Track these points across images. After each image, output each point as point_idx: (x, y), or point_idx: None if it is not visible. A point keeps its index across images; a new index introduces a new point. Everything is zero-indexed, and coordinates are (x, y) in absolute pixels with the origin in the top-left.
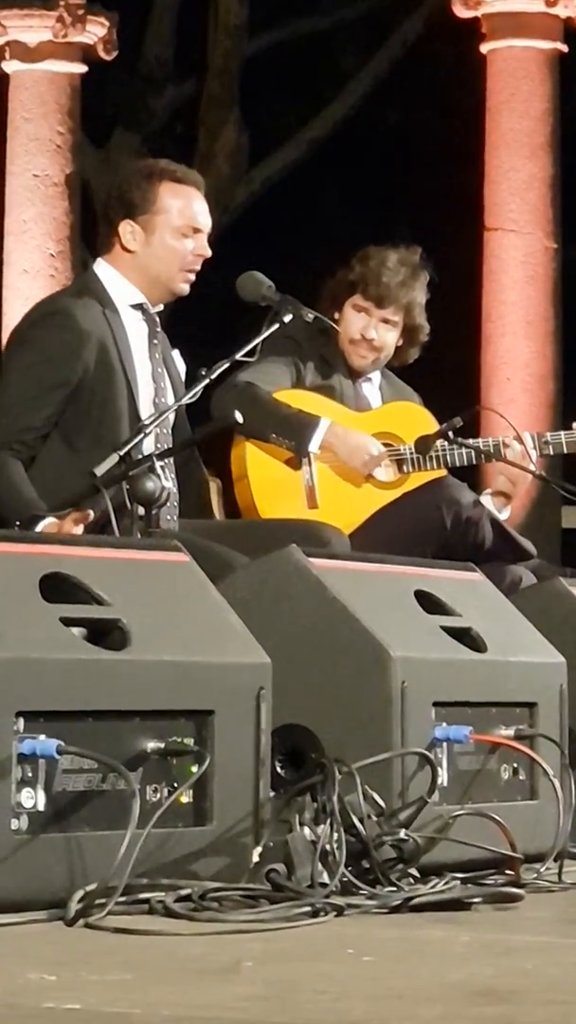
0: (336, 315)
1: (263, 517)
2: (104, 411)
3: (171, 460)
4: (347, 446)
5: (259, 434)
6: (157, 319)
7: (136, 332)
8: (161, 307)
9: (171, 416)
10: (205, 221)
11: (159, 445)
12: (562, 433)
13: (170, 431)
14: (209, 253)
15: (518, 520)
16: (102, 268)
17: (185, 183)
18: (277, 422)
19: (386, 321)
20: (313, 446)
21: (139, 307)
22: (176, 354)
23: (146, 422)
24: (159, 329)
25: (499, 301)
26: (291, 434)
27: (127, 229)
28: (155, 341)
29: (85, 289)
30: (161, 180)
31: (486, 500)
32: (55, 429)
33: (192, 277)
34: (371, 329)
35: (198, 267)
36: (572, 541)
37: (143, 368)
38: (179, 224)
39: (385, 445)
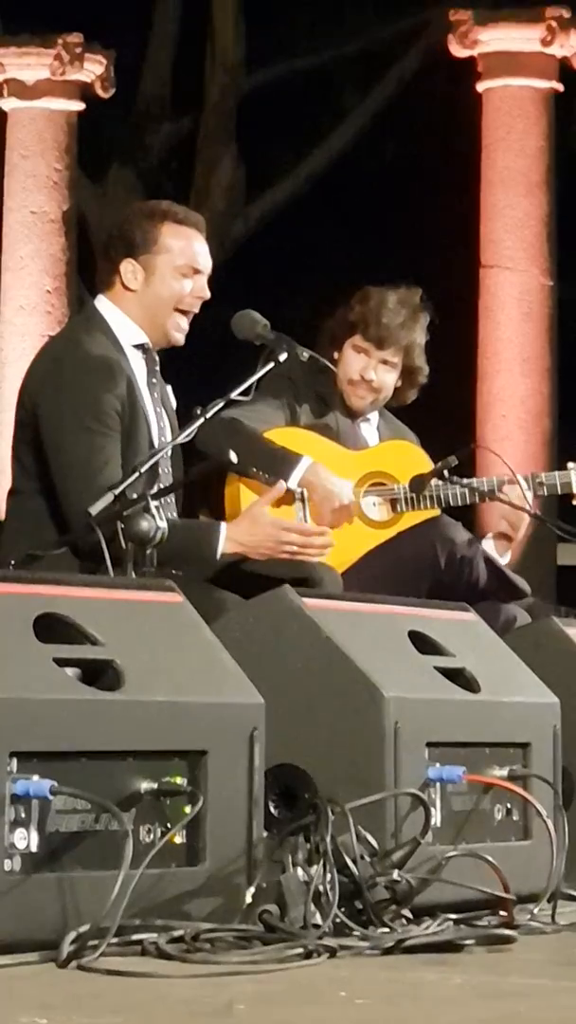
0: (335, 355)
1: None
2: (128, 448)
3: (171, 498)
4: (324, 489)
5: (240, 467)
6: (156, 357)
7: (139, 370)
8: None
9: (168, 453)
10: (205, 262)
11: (160, 484)
12: (556, 473)
13: (170, 469)
14: (208, 295)
15: (512, 558)
16: (104, 305)
17: (186, 224)
18: (258, 456)
19: (385, 362)
20: (292, 483)
21: (140, 347)
22: (169, 390)
23: (140, 461)
24: (157, 367)
25: (495, 338)
26: (271, 469)
27: (128, 268)
28: (154, 380)
29: (93, 326)
30: (163, 220)
31: (488, 544)
32: None
33: (186, 324)
34: (370, 370)
35: (196, 309)
36: (567, 579)
37: (150, 407)
38: (180, 264)
39: (379, 484)
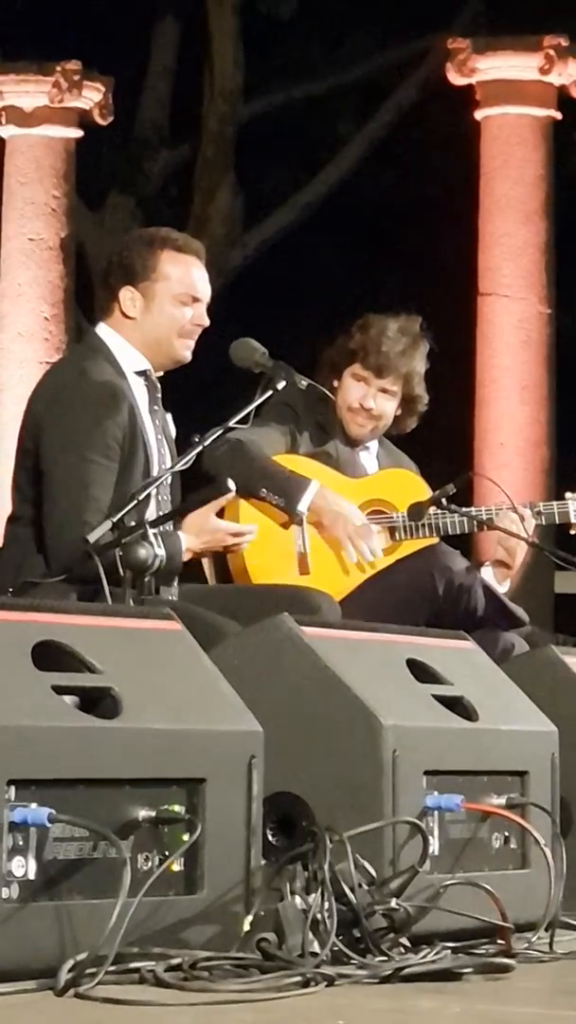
0: (335, 383)
1: (255, 582)
2: (126, 475)
3: (169, 525)
4: (332, 512)
5: (250, 489)
6: (158, 385)
7: (141, 396)
8: (161, 372)
9: (168, 481)
10: (204, 290)
11: (160, 511)
12: (554, 503)
13: (169, 496)
14: (207, 322)
15: (512, 587)
16: (105, 332)
17: (186, 252)
18: (268, 478)
19: (385, 391)
20: (302, 506)
21: (142, 373)
22: (169, 418)
23: (138, 488)
24: (159, 394)
25: (492, 366)
26: (281, 492)
27: (127, 295)
28: (155, 407)
29: (96, 354)
30: (163, 248)
31: (487, 572)
32: None
33: (191, 343)
34: (370, 398)
35: (196, 336)
36: (565, 607)
37: (151, 435)
38: (179, 292)
39: (377, 512)
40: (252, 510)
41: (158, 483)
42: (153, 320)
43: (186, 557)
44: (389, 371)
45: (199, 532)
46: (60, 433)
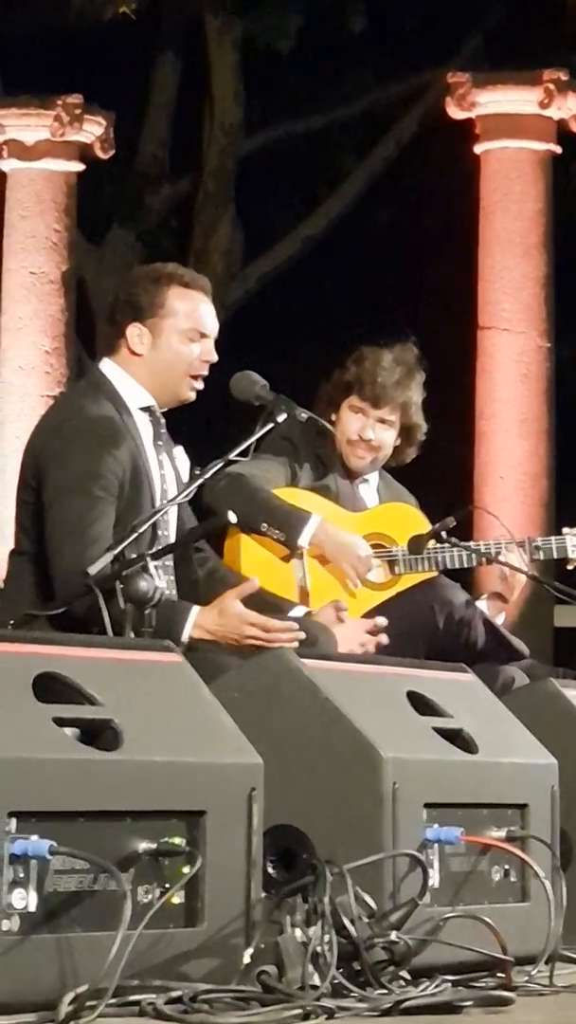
0: (333, 416)
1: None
2: (130, 513)
3: (169, 559)
4: (335, 544)
5: (251, 523)
6: (162, 419)
7: (145, 431)
8: (165, 408)
9: (172, 514)
10: (212, 326)
11: (159, 544)
12: (552, 539)
13: (170, 531)
14: (215, 358)
15: (510, 619)
16: (110, 368)
17: (193, 288)
18: (269, 512)
19: (383, 421)
20: (303, 540)
21: (147, 409)
22: (180, 451)
23: (139, 521)
24: (163, 429)
25: (492, 400)
26: (282, 525)
27: (135, 332)
28: (159, 442)
29: (97, 390)
30: (169, 284)
31: (482, 604)
32: None
33: (199, 384)
34: (368, 429)
35: (205, 372)
36: (564, 640)
37: (154, 469)
38: (186, 328)
39: (377, 546)
40: (253, 543)
41: (159, 516)
42: (161, 356)
43: (196, 634)
44: (386, 401)
45: (215, 614)
46: (59, 469)
